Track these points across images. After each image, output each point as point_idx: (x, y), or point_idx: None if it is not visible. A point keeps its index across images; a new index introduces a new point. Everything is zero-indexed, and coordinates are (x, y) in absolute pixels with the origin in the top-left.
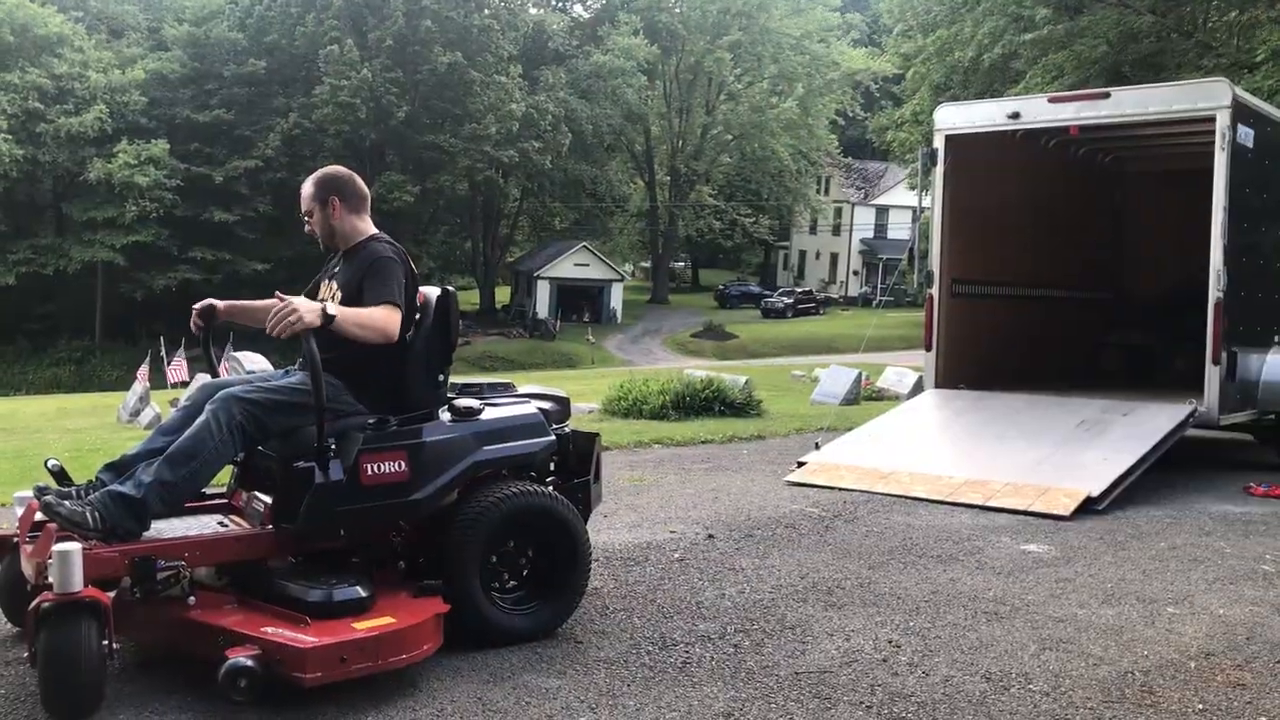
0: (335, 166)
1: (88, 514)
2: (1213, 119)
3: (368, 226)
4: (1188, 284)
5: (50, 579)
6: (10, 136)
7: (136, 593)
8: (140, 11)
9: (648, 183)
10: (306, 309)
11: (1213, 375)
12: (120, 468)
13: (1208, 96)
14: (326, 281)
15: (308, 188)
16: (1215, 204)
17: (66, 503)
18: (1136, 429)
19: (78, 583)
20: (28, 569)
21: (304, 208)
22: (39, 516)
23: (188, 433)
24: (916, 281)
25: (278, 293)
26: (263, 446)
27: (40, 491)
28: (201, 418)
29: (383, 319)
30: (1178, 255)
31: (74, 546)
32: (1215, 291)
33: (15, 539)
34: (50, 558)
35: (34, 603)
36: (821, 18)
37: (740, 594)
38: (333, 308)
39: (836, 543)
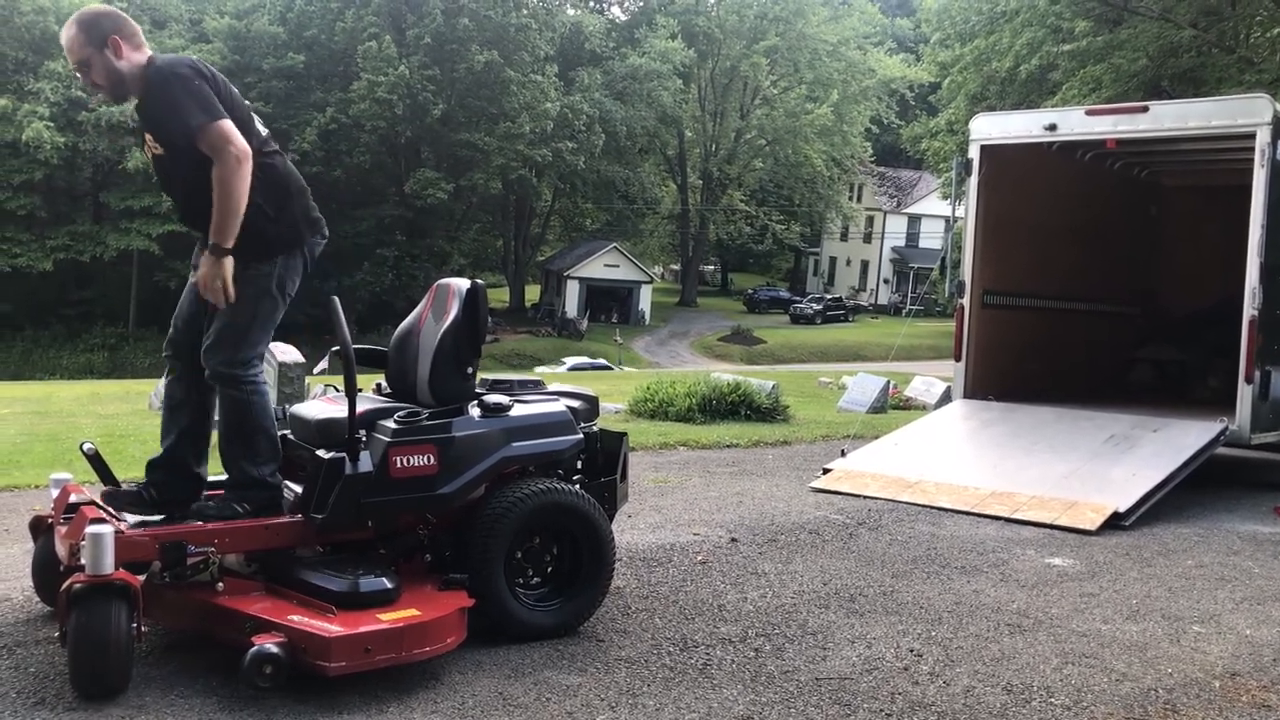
0: (95, 4)
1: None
2: (1252, 135)
3: (145, 55)
4: (1222, 300)
5: (83, 560)
6: (52, 124)
7: (166, 577)
8: (183, 3)
9: (680, 185)
10: (207, 274)
11: (1245, 393)
12: (162, 465)
13: (1248, 112)
14: (148, 140)
15: (74, 33)
16: (1252, 221)
17: (212, 503)
18: (1166, 445)
19: (109, 565)
20: (61, 550)
21: (76, 59)
22: (73, 498)
23: (222, 425)
24: (947, 291)
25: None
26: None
27: (98, 498)
28: (221, 403)
29: (225, 164)
30: (1213, 271)
31: (106, 529)
32: (1250, 309)
33: (50, 520)
34: (83, 540)
35: (66, 583)
36: (859, 25)
37: (762, 598)
38: (213, 239)
39: (860, 550)
